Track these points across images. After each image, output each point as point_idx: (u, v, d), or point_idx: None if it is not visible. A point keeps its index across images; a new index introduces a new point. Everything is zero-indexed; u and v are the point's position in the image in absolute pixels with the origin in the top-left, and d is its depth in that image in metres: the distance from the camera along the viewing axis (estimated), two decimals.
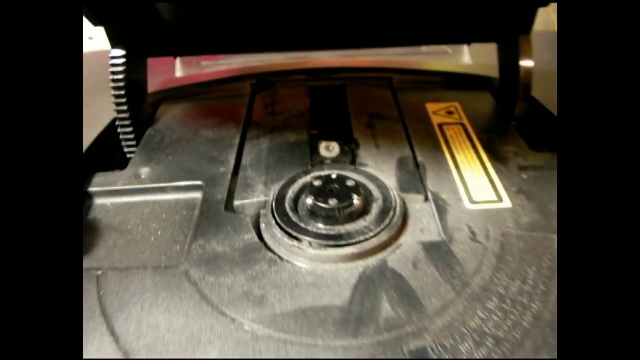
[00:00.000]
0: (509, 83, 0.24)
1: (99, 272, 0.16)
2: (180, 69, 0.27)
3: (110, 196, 0.19)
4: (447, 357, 0.13)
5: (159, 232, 0.18)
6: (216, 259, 0.16)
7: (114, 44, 0.22)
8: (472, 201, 0.18)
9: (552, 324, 0.14)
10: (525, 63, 0.23)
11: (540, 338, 0.14)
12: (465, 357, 0.13)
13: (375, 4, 0.22)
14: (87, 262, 0.17)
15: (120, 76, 0.22)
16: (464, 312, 0.14)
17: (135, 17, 0.22)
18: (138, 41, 0.23)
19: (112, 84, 0.22)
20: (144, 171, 0.20)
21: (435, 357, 0.13)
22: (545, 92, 0.24)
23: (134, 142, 0.22)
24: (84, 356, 0.14)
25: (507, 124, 0.23)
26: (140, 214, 0.19)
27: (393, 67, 0.26)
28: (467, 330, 0.14)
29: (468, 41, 0.25)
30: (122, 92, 0.22)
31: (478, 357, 0.13)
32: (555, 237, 0.17)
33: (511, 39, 0.23)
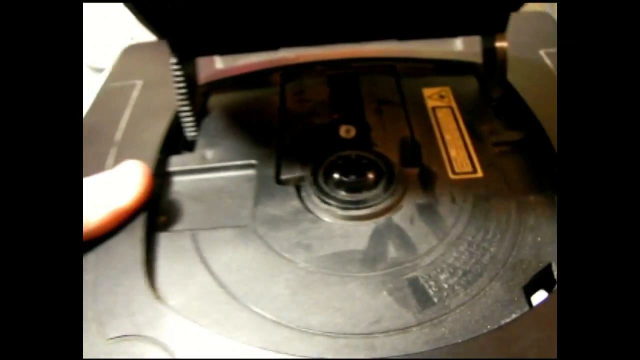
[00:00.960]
0: (488, 67, 0.30)
1: (192, 232, 0.23)
2: (219, 61, 0.33)
3: (187, 174, 0.26)
4: (431, 283, 0.20)
5: (229, 201, 0.24)
6: (274, 220, 0.23)
7: (173, 50, 0.28)
8: (454, 173, 0.25)
9: (503, 261, 0.21)
10: (501, 45, 0.28)
11: (494, 271, 0.20)
12: (444, 286, 0.20)
13: (378, 9, 0.27)
14: (180, 226, 0.24)
15: (181, 78, 0.28)
16: (443, 254, 0.21)
17: (192, 30, 0.27)
18: (192, 46, 0.28)
19: (175, 84, 0.28)
20: (209, 153, 0.27)
21: (423, 283, 0.20)
22: (520, 78, 0.30)
23: (194, 129, 0.28)
24: (191, 287, 0.21)
25: (487, 105, 0.29)
26: (212, 188, 0.25)
27: (394, 56, 0.31)
28: (445, 265, 0.21)
29: (454, 36, 0.30)
30: (184, 90, 0.28)
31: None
32: (512, 200, 0.23)
33: (491, 33, 0.29)
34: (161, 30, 0.26)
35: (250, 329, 0.19)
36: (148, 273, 0.20)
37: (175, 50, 0.28)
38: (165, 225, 0.24)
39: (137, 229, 0.22)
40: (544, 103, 0.27)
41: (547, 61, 0.32)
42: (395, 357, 0.18)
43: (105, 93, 0.32)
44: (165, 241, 0.22)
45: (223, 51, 0.30)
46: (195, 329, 0.18)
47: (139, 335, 0.18)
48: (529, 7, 0.47)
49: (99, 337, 0.18)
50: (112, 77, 0.34)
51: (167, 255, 0.22)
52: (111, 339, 0.18)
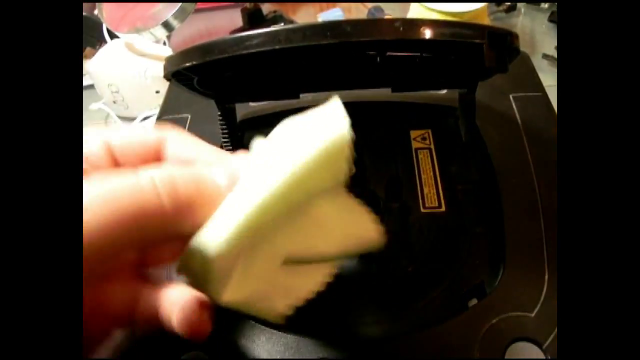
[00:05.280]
0: (462, 113, 0.38)
1: None
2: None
3: None
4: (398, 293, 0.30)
5: None
6: None
7: (217, 103, 0.37)
8: (424, 207, 0.34)
9: (450, 277, 0.30)
10: (470, 97, 0.36)
11: (442, 284, 0.30)
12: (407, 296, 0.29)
13: (382, 71, 0.35)
14: None
15: (225, 122, 0.37)
16: (410, 269, 0.31)
17: (233, 90, 0.36)
18: (232, 98, 0.37)
19: (220, 127, 0.37)
20: None
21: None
22: (487, 123, 0.38)
23: None
24: None
25: (457, 147, 0.37)
26: None
27: (391, 100, 0.40)
28: (409, 278, 0.30)
29: (436, 89, 0.39)
30: (226, 129, 0.37)
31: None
32: (464, 230, 0.32)
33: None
34: (209, 95, 0.35)
35: None
36: None
37: (219, 102, 0.37)
38: None
39: None
40: (500, 149, 0.36)
41: (514, 106, 0.39)
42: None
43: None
44: None
45: (255, 99, 0.39)
46: None
47: None
48: None
49: None
50: (164, 110, 0.43)
51: None
52: None
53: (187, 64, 0.24)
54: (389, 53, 0.30)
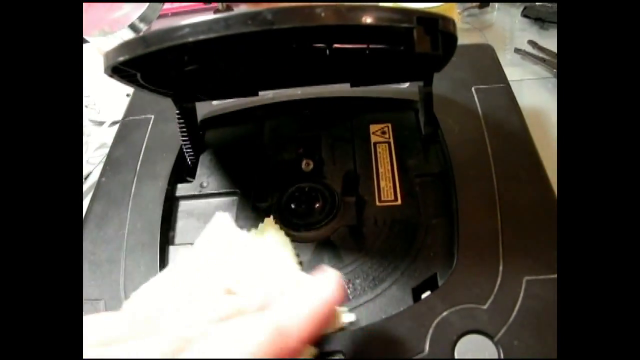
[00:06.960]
0: (422, 106, 0.38)
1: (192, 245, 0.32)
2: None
3: (189, 199, 0.35)
4: (349, 285, 0.29)
5: None
6: None
7: (175, 102, 0.37)
8: (380, 201, 0.33)
9: (402, 269, 0.30)
10: (427, 90, 0.35)
11: (394, 277, 0.29)
12: (358, 288, 0.29)
13: (337, 65, 0.35)
14: (185, 239, 0.33)
15: (183, 121, 0.37)
16: (362, 264, 0.30)
17: (190, 88, 0.36)
18: (190, 97, 0.37)
19: (178, 127, 0.37)
20: (205, 182, 0.36)
21: (343, 284, 0.29)
22: (448, 116, 0.38)
23: (194, 157, 0.38)
24: None
25: (417, 140, 0.37)
26: (208, 209, 0.34)
27: (348, 95, 0.39)
28: (361, 272, 0.30)
29: (393, 83, 0.38)
30: (184, 128, 0.37)
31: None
32: (419, 223, 0.32)
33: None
34: (162, 93, 0.35)
35: None
36: None
37: (177, 101, 0.37)
38: (173, 239, 0.33)
39: (155, 243, 0.31)
40: (459, 141, 0.35)
41: (476, 98, 0.39)
42: None
43: (125, 127, 0.41)
44: (173, 253, 0.32)
45: (212, 97, 0.39)
46: None
47: None
48: (474, 38, 0.53)
49: None
50: (129, 112, 0.43)
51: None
52: None
53: (121, 58, 0.24)
54: (335, 45, 0.30)
